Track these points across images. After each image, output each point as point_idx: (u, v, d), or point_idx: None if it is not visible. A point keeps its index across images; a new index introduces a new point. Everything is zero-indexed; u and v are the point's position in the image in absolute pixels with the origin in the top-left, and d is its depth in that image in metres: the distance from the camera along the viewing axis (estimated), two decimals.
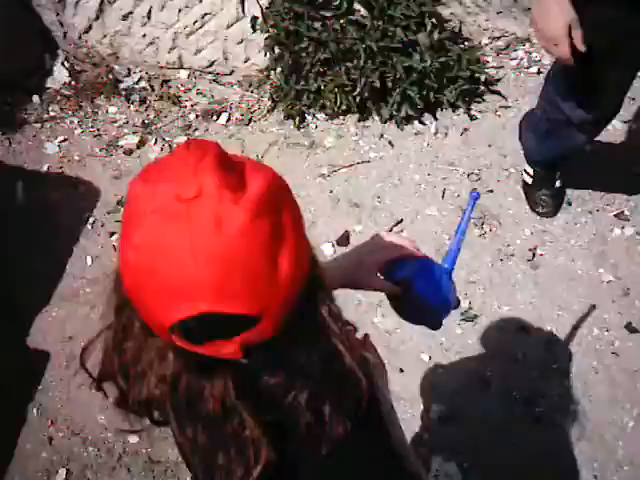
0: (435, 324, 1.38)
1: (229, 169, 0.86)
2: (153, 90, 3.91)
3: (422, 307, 1.35)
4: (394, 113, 3.50)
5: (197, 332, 0.88)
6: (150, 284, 0.86)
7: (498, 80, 3.67)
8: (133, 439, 2.63)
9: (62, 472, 2.56)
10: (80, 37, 3.98)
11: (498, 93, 3.64)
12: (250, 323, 0.87)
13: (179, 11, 3.73)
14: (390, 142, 3.51)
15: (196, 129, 3.68)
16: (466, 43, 3.69)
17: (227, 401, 0.94)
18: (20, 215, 3.33)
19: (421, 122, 3.56)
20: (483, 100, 3.62)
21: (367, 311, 2.90)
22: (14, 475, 2.56)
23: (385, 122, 3.56)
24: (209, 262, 0.82)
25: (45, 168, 3.56)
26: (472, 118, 3.56)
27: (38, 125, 3.76)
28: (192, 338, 0.88)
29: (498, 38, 3.74)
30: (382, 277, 1.37)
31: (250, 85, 3.83)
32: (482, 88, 3.62)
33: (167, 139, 3.64)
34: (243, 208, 0.84)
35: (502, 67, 3.72)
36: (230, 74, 3.90)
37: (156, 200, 0.85)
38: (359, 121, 3.60)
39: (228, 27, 3.73)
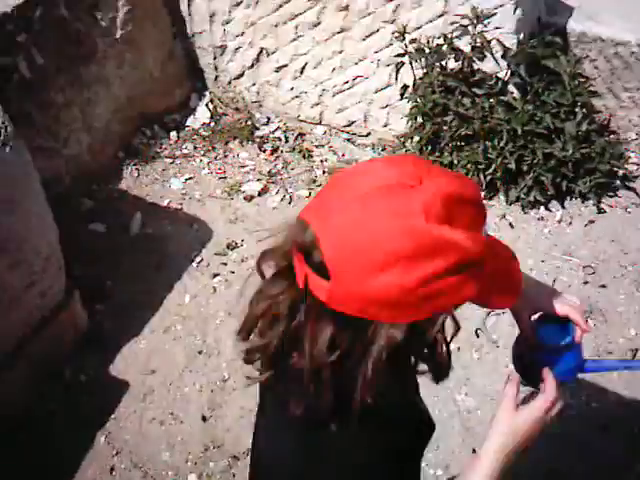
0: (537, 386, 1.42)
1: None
2: (287, 141, 4.12)
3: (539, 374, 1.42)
4: (522, 196, 3.58)
5: None
6: None
7: (636, 177, 3.73)
8: (193, 479, 2.72)
9: None
10: (230, 82, 4.27)
11: (633, 190, 3.69)
12: None
13: (332, 70, 3.94)
14: (511, 224, 3.60)
15: (320, 184, 3.83)
16: (612, 136, 3.74)
17: None
18: (131, 245, 3.57)
19: (547, 208, 3.64)
20: (616, 195, 3.68)
21: (451, 388, 2.96)
22: None
23: (510, 204, 3.65)
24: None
25: (166, 203, 3.80)
26: (600, 211, 3.62)
27: (169, 160, 4.03)
28: None
29: None
30: (533, 319, 1.50)
31: (383, 149, 3.97)
32: (618, 183, 3.69)
33: (289, 190, 3.82)
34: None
35: None
36: (366, 136, 4.06)
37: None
38: (484, 199, 3.65)
39: (376, 92, 3.90)
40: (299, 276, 1.08)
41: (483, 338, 3.14)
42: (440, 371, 1.19)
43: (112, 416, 2.93)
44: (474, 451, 2.74)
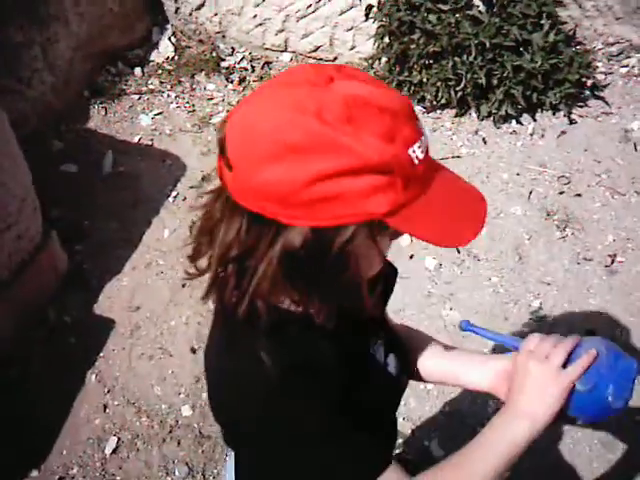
0: None
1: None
2: (254, 71, 4.03)
3: None
4: (493, 111, 3.55)
5: None
6: None
7: (605, 86, 3.72)
8: (187, 411, 2.71)
9: (113, 440, 2.65)
10: (191, 13, 4.15)
11: (602, 99, 3.69)
12: None
13: None
14: (484, 139, 3.58)
15: None
16: (578, 47, 3.70)
17: None
18: (105, 183, 3.50)
19: (519, 122, 3.63)
20: (586, 105, 3.68)
21: (436, 303, 2.98)
22: (66, 439, 2.67)
23: (482, 119, 3.63)
24: None
25: (136, 139, 3.72)
26: (572, 122, 3.61)
27: (136, 97, 3.94)
28: None
29: (612, 44, 3.74)
30: None
31: None
32: (587, 93, 3.68)
33: None
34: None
35: (611, 73, 3.76)
36: (333, 60, 3.99)
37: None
38: (456, 116, 3.67)
39: (341, 14, 3.82)
40: (218, 172, 1.05)
41: (464, 253, 3.13)
42: (357, 308, 1.14)
43: (100, 355, 2.90)
44: None
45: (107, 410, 2.74)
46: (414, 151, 0.99)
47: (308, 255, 1.03)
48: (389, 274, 1.37)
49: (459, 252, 3.14)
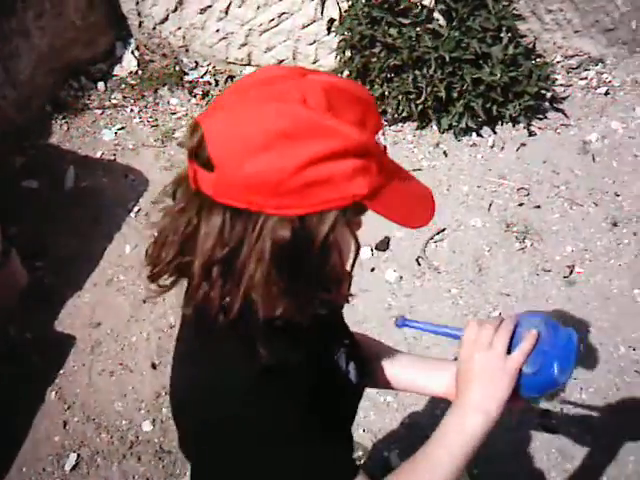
0: None
1: None
2: (217, 85, 4.06)
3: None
4: (454, 124, 3.59)
5: None
6: None
7: (564, 98, 3.79)
8: (147, 427, 2.72)
9: (73, 457, 2.65)
10: (155, 27, 4.17)
11: (562, 111, 3.75)
12: None
13: (257, 8, 3.88)
14: (445, 152, 3.63)
15: None
16: (538, 59, 3.76)
17: None
18: (67, 199, 3.50)
19: (479, 134, 3.68)
20: (545, 117, 3.74)
21: (396, 315, 2.99)
22: (26, 456, 2.67)
23: (443, 132, 3.68)
24: None
25: (99, 154, 3.73)
26: (531, 134, 3.67)
27: (99, 112, 3.95)
28: None
29: (571, 57, 3.82)
30: None
31: None
32: (546, 105, 3.74)
33: None
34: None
35: (570, 85, 3.84)
36: None
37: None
38: (417, 129, 3.72)
39: (303, 27, 3.85)
40: (190, 177, 1.06)
41: (424, 265, 3.17)
42: (337, 301, 1.19)
43: (61, 371, 2.90)
44: None
45: (67, 427, 2.74)
46: (379, 138, 1.06)
47: (297, 247, 1.04)
48: None
49: (419, 264, 3.18)
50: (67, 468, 2.63)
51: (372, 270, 3.18)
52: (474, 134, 3.67)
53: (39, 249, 3.27)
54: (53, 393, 2.83)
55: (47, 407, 2.80)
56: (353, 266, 1.13)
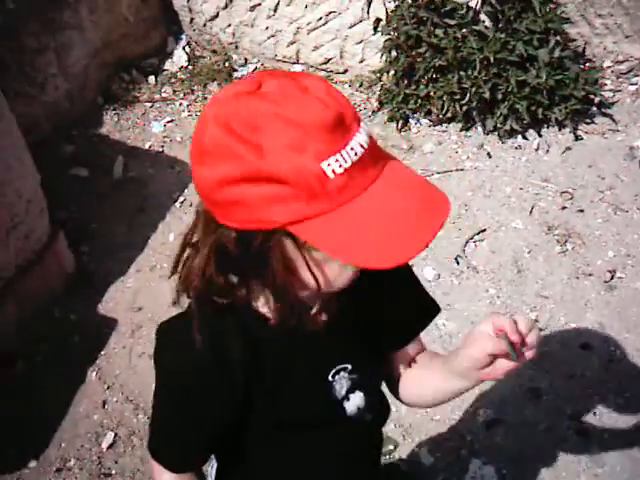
0: None
1: None
2: None
3: None
4: (498, 125, 3.59)
5: None
6: None
7: (612, 103, 3.77)
8: None
9: (110, 435, 2.71)
10: (205, 24, 4.24)
11: (609, 116, 3.73)
12: None
13: (305, 7, 3.93)
14: (489, 153, 3.64)
15: None
16: (587, 64, 3.76)
17: None
18: (115, 188, 3.58)
19: (524, 137, 3.67)
20: (592, 122, 3.72)
21: None
22: (64, 434, 2.74)
23: (487, 134, 3.68)
24: None
25: (147, 146, 3.81)
26: (577, 138, 3.66)
27: (148, 104, 4.03)
28: None
29: (621, 62, 3.79)
30: None
31: (361, 85, 3.98)
32: (594, 109, 3.72)
33: None
34: None
35: (619, 91, 3.82)
36: (343, 73, 4.06)
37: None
38: (461, 130, 3.73)
39: (350, 27, 3.90)
40: None
41: (463, 264, 3.19)
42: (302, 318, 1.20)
43: (102, 352, 2.97)
44: None
45: (106, 406, 2.81)
46: (329, 164, 0.99)
47: (238, 251, 1.09)
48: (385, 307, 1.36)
49: (458, 263, 3.20)
50: (104, 446, 2.69)
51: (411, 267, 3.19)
52: (519, 136, 3.66)
53: (86, 234, 3.36)
54: (94, 374, 2.91)
55: (87, 387, 2.87)
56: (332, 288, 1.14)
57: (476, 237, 3.29)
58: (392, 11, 3.62)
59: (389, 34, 3.63)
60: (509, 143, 3.66)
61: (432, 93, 3.61)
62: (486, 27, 3.49)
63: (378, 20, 3.65)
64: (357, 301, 1.25)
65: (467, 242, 3.26)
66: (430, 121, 3.75)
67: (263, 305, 1.22)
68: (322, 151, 0.99)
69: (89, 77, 3.90)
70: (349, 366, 1.34)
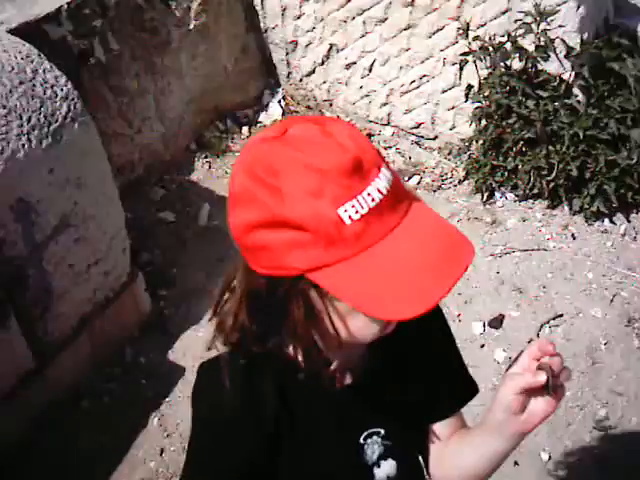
0: None
1: None
2: None
3: None
4: (585, 206, 3.51)
5: None
6: None
7: None
8: None
9: None
10: (302, 79, 4.31)
11: None
12: None
13: (400, 68, 3.95)
14: (573, 235, 3.55)
15: None
16: None
17: None
18: (198, 235, 3.64)
19: (611, 221, 3.57)
20: None
21: None
22: (121, 476, 2.76)
23: (574, 214, 3.60)
24: None
25: None
26: None
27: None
28: None
29: None
30: None
31: (449, 153, 3.95)
32: None
33: None
34: None
35: None
36: (433, 139, 4.05)
37: None
38: (547, 208, 3.66)
39: (443, 92, 3.90)
40: None
41: None
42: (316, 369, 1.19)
43: (166, 399, 3.00)
44: (516, 464, 2.71)
45: (163, 454, 2.83)
46: (345, 210, 0.98)
47: (267, 297, 1.10)
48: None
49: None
50: None
51: (482, 347, 3.13)
52: (606, 220, 3.56)
53: (165, 279, 3.41)
54: (156, 419, 2.93)
55: (148, 432, 2.90)
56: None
57: (552, 322, 3.20)
58: (484, 79, 3.59)
59: (479, 102, 3.61)
60: (595, 226, 3.56)
61: (520, 166, 3.55)
62: (578, 101, 3.43)
63: (470, 87, 3.64)
64: (396, 366, 1.26)
65: (542, 326, 3.17)
66: (516, 196, 3.70)
67: (293, 352, 1.22)
68: (339, 196, 0.99)
69: (184, 123, 4.00)
70: (382, 431, 1.32)
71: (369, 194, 0.99)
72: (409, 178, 3.87)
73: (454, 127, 3.94)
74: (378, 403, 1.30)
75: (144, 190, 3.77)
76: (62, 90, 2.78)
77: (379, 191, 1.00)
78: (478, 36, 3.49)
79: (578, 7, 3.36)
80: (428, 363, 1.35)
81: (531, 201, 3.69)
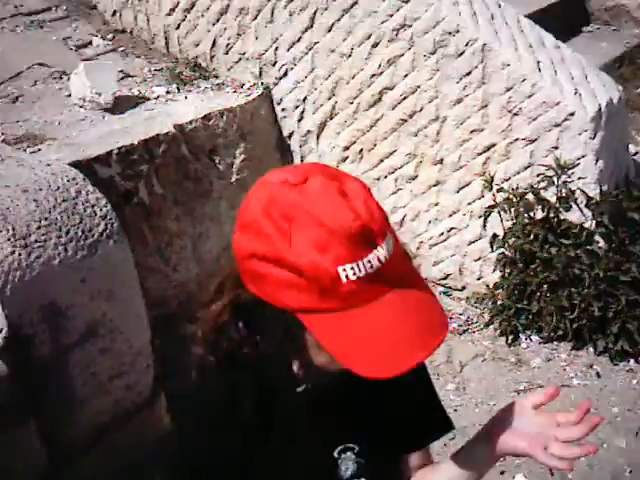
0: None
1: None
2: None
3: None
4: (609, 345, 3.51)
5: None
6: None
7: None
8: None
9: None
10: None
11: None
12: None
13: (429, 222, 4.11)
14: (598, 373, 3.55)
15: None
16: None
17: None
18: None
19: (637, 360, 3.56)
20: None
21: None
22: None
23: (599, 355, 3.60)
24: None
25: None
26: None
27: None
28: None
29: None
30: None
31: (476, 301, 4.02)
32: None
33: None
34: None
35: None
36: (461, 290, 4.13)
37: None
38: (572, 349, 3.67)
39: (470, 244, 4.03)
40: None
41: (558, 476, 3.02)
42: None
43: None
44: None
45: None
46: (344, 270, 1.06)
47: (254, 310, 1.20)
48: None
49: (552, 474, 3.03)
50: None
51: (502, 473, 3.07)
52: (631, 360, 3.56)
53: None
54: None
55: None
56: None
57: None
58: (509, 228, 3.73)
59: (503, 248, 3.72)
60: (620, 365, 3.56)
61: (543, 309, 3.60)
62: (599, 247, 3.52)
63: (495, 236, 3.76)
64: (375, 393, 1.29)
65: None
66: (541, 338, 3.72)
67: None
68: (341, 257, 1.06)
69: (220, 267, 4.13)
70: (357, 448, 1.34)
71: (369, 261, 1.07)
72: None
73: (481, 277, 4.03)
74: (361, 421, 1.35)
75: (175, 325, 3.87)
76: (101, 210, 2.97)
77: (379, 259, 1.08)
78: (502, 188, 3.66)
79: (597, 160, 3.53)
80: (410, 394, 1.40)
81: (555, 343, 3.70)
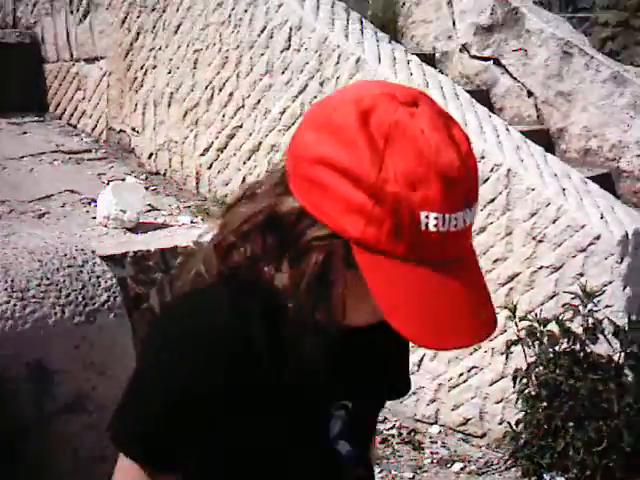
0: None
1: None
2: (400, 435, 3.98)
3: None
4: None
5: None
6: None
7: None
8: None
9: None
10: None
11: None
12: None
13: (448, 362, 3.93)
14: None
15: (425, 471, 3.63)
16: None
17: None
18: None
19: None
20: None
21: None
22: None
23: None
24: None
25: None
26: None
27: None
28: None
29: None
30: None
31: (496, 446, 3.75)
32: None
33: (392, 472, 3.61)
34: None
35: None
36: (481, 437, 3.86)
37: None
38: None
39: (491, 384, 3.81)
40: None
41: None
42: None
43: None
44: None
45: None
46: (427, 217, 0.93)
47: (291, 226, 1.02)
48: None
49: None
50: None
51: None
52: None
53: None
54: None
55: None
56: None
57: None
58: (533, 362, 3.53)
59: (527, 382, 3.51)
60: None
61: (569, 446, 3.32)
62: (629, 381, 3.31)
63: (517, 370, 3.56)
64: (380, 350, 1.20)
65: None
66: (566, 479, 3.40)
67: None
68: (431, 201, 0.93)
69: None
70: (350, 405, 1.19)
71: (456, 218, 0.95)
72: (451, 464, 3.65)
73: (503, 421, 3.77)
74: (350, 376, 1.18)
75: None
76: (106, 282, 2.90)
77: (464, 221, 0.96)
78: (526, 316, 3.50)
79: (625, 287, 3.40)
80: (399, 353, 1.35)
81: None
